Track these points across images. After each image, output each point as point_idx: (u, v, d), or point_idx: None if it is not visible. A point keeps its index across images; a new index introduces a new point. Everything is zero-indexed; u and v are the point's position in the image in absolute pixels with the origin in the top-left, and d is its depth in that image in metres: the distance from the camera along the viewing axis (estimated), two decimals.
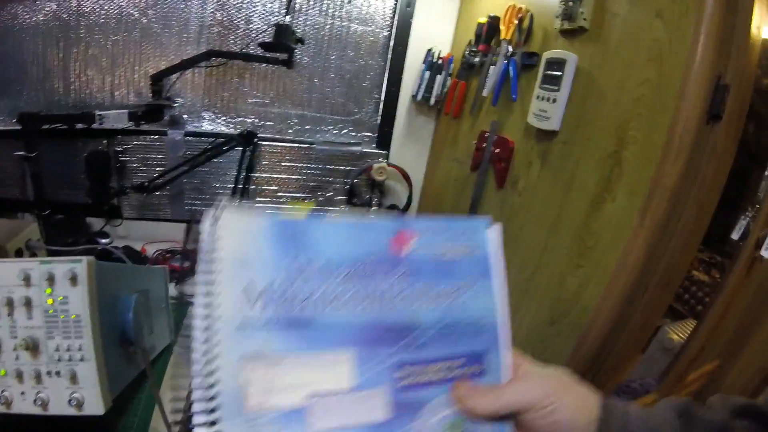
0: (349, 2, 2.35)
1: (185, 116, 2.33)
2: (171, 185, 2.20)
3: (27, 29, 2.06)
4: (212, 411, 0.47)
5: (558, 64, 1.59)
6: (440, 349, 0.59)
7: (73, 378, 0.89)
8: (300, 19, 2.31)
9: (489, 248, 0.64)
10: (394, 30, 2.44)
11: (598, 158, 1.44)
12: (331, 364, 0.53)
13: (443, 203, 2.50)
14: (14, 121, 1.98)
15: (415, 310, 0.58)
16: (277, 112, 2.45)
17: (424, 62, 2.46)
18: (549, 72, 1.64)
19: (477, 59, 2.14)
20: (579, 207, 1.50)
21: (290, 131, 2.51)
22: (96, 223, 2.25)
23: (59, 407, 0.90)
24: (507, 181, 1.91)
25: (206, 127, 2.38)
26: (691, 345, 1.76)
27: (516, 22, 1.86)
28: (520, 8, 1.86)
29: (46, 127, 1.96)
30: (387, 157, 2.60)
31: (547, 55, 1.66)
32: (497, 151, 1.95)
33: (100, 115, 1.95)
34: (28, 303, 0.87)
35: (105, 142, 2.20)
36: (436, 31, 2.47)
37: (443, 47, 2.46)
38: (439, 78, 2.42)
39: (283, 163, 2.51)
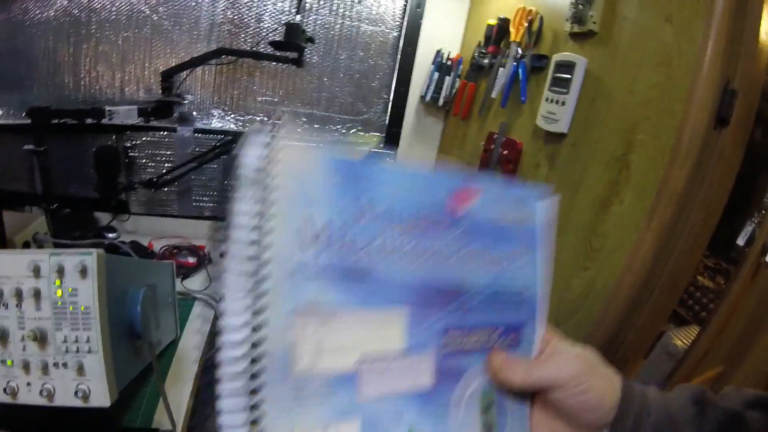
0: (360, 2, 2.35)
1: (194, 113, 2.34)
2: (179, 181, 2.21)
3: (38, 24, 2.07)
4: (255, 376, 0.41)
5: (567, 66, 1.59)
6: (484, 316, 0.58)
7: (80, 370, 0.89)
8: (310, 18, 2.32)
9: (537, 221, 0.62)
10: (403, 30, 2.45)
11: (606, 161, 1.44)
12: (384, 323, 0.50)
13: None
14: (24, 115, 1.98)
15: (468, 272, 0.56)
16: (286, 111, 2.46)
17: (433, 63, 2.46)
18: (558, 74, 1.64)
19: (486, 61, 2.14)
20: (586, 209, 1.50)
21: (299, 130, 2.50)
22: (103, 217, 2.25)
23: (65, 398, 0.90)
24: None
25: (215, 124, 2.39)
26: (694, 350, 1.75)
27: (526, 24, 1.86)
28: (530, 10, 1.86)
29: (55, 121, 1.96)
30: (395, 157, 2.60)
31: (556, 57, 1.66)
32: (505, 152, 1.95)
33: (109, 110, 1.95)
34: (37, 294, 0.88)
35: (114, 137, 2.21)
36: (445, 32, 2.47)
37: (452, 48, 2.46)
38: (448, 79, 2.42)
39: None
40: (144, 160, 2.31)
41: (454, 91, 2.42)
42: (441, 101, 2.45)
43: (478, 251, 0.57)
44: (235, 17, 2.24)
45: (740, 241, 2.26)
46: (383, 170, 0.50)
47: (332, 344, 0.46)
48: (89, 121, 1.98)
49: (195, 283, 1.90)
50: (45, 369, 0.90)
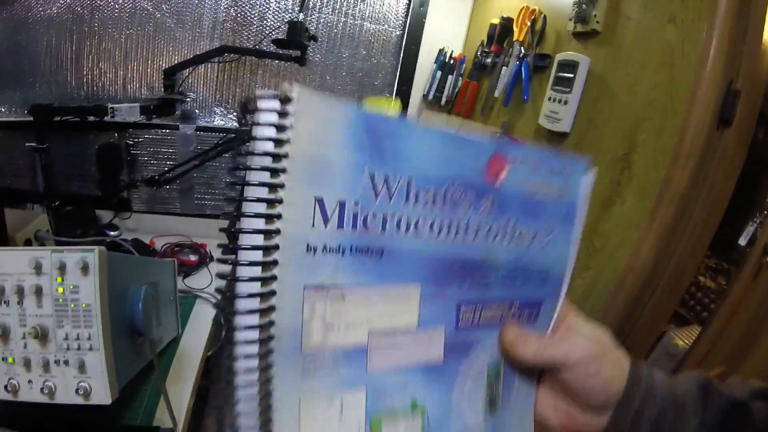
0: (363, 1, 2.35)
1: (197, 111, 2.34)
2: (181, 179, 2.21)
3: (41, 22, 2.07)
4: (266, 354, 0.41)
5: (570, 66, 1.59)
6: (503, 291, 0.57)
7: (81, 367, 0.89)
8: (313, 16, 2.32)
9: (580, 195, 0.60)
10: (406, 29, 2.45)
11: (609, 161, 1.44)
12: (397, 300, 0.50)
13: None
14: (26, 112, 1.98)
15: (492, 247, 0.54)
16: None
17: (435, 62, 2.46)
18: (561, 74, 1.64)
19: (489, 60, 2.15)
20: (588, 208, 1.50)
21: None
22: (105, 215, 2.25)
23: (66, 396, 0.90)
24: None
25: (217, 122, 2.39)
26: (695, 351, 1.75)
27: (529, 23, 1.86)
28: (534, 10, 1.86)
29: (57, 119, 1.96)
30: None
31: (559, 57, 1.66)
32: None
33: (112, 108, 1.95)
34: (38, 291, 0.87)
35: (116, 135, 2.21)
36: (448, 31, 2.47)
37: (455, 47, 2.46)
38: (450, 78, 2.42)
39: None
40: (146, 158, 2.31)
41: (456, 90, 2.42)
42: (443, 100, 2.45)
43: (506, 225, 0.55)
44: (238, 15, 2.24)
45: (742, 242, 2.25)
46: (416, 130, 0.48)
47: (343, 321, 0.46)
48: (91, 118, 1.98)
49: (196, 281, 1.89)
50: (46, 366, 0.90)
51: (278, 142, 0.40)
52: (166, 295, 1.34)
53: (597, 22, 1.52)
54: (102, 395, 0.90)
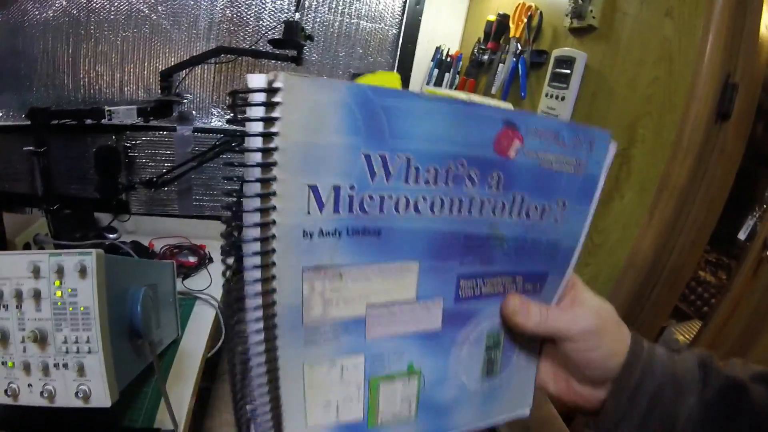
0: None
1: (194, 112, 2.34)
2: (179, 181, 2.20)
3: (37, 25, 2.06)
4: (270, 328, 0.45)
5: (567, 62, 1.59)
6: (507, 265, 0.57)
7: (81, 370, 0.89)
8: (309, 16, 2.32)
9: (603, 170, 0.58)
10: (403, 27, 2.44)
11: None
12: (396, 276, 0.51)
13: None
14: (24, 116, 1.98)
15: (497, 221, 0.54)
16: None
17: (432, 60, 2.46)
18: (558, 70, 1.64)
19: (486, 57, 2.15)
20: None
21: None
22: (104, 218, 2.25)
23: (66, 399, 0.90)
24: None
25: (215, 123, 2.38)
26: (696, 346, 1.75)
27: (525, 20, 1.86)
28: (530, 6, 1.86)
29: (55, 122, 1.96)
30: None
31: (556, 53, 1.66)
32: None
33: (109, 110, 1.95)
34: (36, 295, 0.87)
35: (114, 137, 2.21)
36: (445, 28, 2.47)
37: (452, 45, 2.47)
38: (447, 75, 2.42)
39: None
40: (144, 160, 2.31)
41: (454, 87, 2.42)
42: None
43: (515, 200, 0.54)
44: (234, 16, 2.23)
45: (741, 236, 2.26)
46: (417, 103, 0.46)
47: (342, 297, 0.49)
48: (89, 121, 1.98)
49: (196, 282, 1.89)
50: (46, 370, 0.89)
51: (267, 137, 0.40)
52: (165, 296, 1.34)
53: (593, 17, 1.52)
54: (102, 398, 0.90)
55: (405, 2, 2.41)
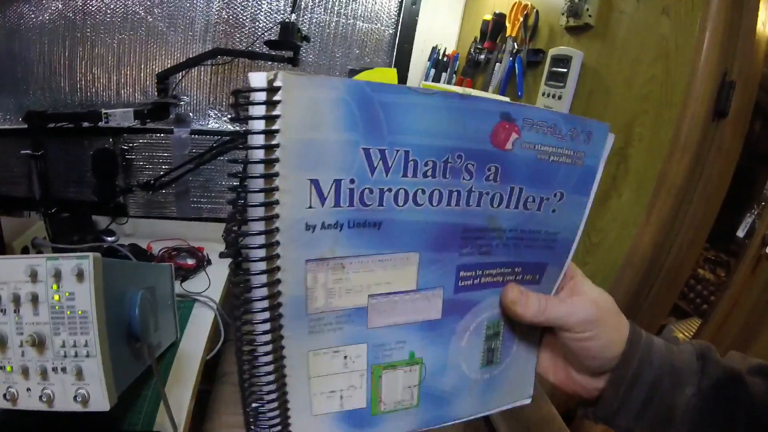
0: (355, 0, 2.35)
1: (191, 114, 2.34)
2: (177, 183, 2.20)
3: (33, 28, 2.06)
4: (276, 318, 0.48)
5: (563, 60, 1.59)
6: (506, 255, 0.58)
7: (79, 374, 0.89)
8: (305, 16, 2.32)
9: (601, 161, 0.59)
10: (399, 27, 2.44)
11: None
12: (397, 266, 0.52)
13: None
14: (21, 119, 1.98)
15: (495, 213, 0.55)
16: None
17: (429, 60, 2.46)
18: (555, 69, 1.64)
19: (482, 56, 2.15)
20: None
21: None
22: (102, 221, 2.25)
23: (65, 403, 0.90)
24: None
25: (212, 125, 2.38)
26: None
27: (521, 19, 1.86)
28: (526, 5, 1.86)
29: (52, 125, 1.95)
30: None
31: (552, 52, 1.66)
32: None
33: (106, 113, 1.94)
34: (34, 299, 0.87)
35: (111, 140, 2.21)
36: (441, 28, 2.47)
37: (449, 44, 2.46)
38: (444, 75, 2.42)
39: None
40: (141, 163, 2.31)
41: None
42: None
43: (512, 191, 0.55)
44: (230, 17, 2.23)
45: (740, 233, 2.26)
46: (414, 99, 0.47)
47: (344, 287, 0.51)
48: (86, 124, 1.97)
49: (194, 284, 1.89)
50: (44, 374, 0.89)
51: (269, 135, 0.42)
52: (163, 299, 1.34)
53: (590, 16, 1.52)
54: (100, 402, 0.90)
55: (401, 2, 2.41)
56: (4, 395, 0.89)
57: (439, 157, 0.49)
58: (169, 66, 2.07)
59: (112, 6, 2.10)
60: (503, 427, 1.43)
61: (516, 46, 1.89)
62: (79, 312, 0.87)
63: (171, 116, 2.16)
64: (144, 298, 1.05)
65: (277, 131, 0.42)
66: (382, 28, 2.45)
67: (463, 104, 0.49)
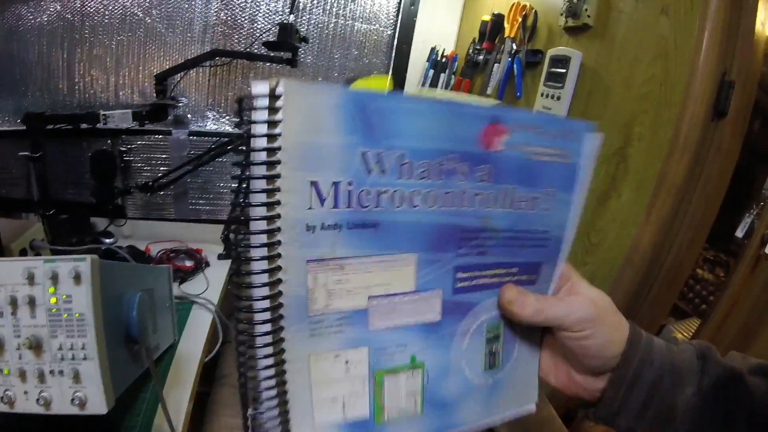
0: (353, 1, 2.34)
1: (189, 116, 2.33)
2: (175, 185, 2.20)
3: (31, 30, 2.06)
4: (276, 318, 0.48)
5: (562, 61, 1.59)
6: (501, 255, 0.59)
7: (76, 377, 0.88)
8: (304, 17, 2.31)
9: (582, 156, 0.61)
10: (397, 28, 2.44)
11: (604, 155, 1.44)
12: (395, 267, 0.53)
13: None
14: (19, 121, 1.98)
15: (489, 213, 0.57)
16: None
17: (428, 60, 2.46)
18: (553, 69, 1.63)
19: (481, 57, 2.14)
20: (584, 204, 1.49)
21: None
22: (100, 222, 2.24)
23: (62, 406, 0.89)
24: None
25: (210, 126, 2.37)
26: None
27: (520, 19, 1.86)
28: (525, 6, 1.86)
29: (50, 127, 1.95)
30: None
31: (551, 52, 1.66)
32: None
33: (104, 114, 1.94)
34: (31, 302, 0.87)
35: (109, 141, 2.21)
36: (440, 29, 2.47)
37: (447, 45, 2.46)
38: (443, 76, 2.42)
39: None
40: (140, 164, 2.30)
41: (449, 88, 2.41)
42: None
43: (503, 190, 0.56)
44: (229, 18, 2.23)
45: (739, 233, 2.25)
46: (406, 105, 0.49)
47: (344, 288, 0.51)
48: (84, 125, 1.97)
49: (193, 286, 1.89)
50: (41, 377, 0.89)
51: (271, 138, 0.43)
52: (161, 301, 1.33)
53: (588, 16, 1.52)
54: (97, 405, 0.89)
55: (400, 3, 2.40)
56: (2, 398, 0.89)
57: (433, 159, 0.51)
58: (167, 67, 2.07)
59: (110, 7, 2.10)
60: (503, 428, 1.43)
61: (515, 47, 1.89)
62: (77, 315, 0.87)
63: (169, 118, 2.15)
64: (142, 300, 1.04)
65: (278, 135, 0.43)
66: (381, 29, 2.44)
67: (452, 109, 0.51)
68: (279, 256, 0.46)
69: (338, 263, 0.50)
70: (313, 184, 0.46)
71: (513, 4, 1.91)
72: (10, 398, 0.89)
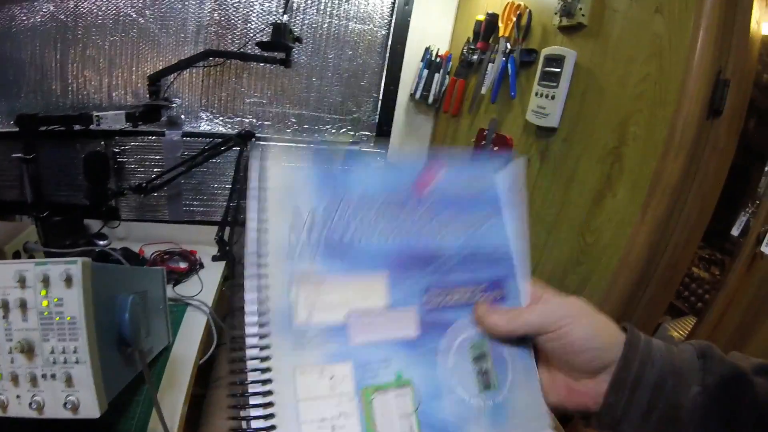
0: (347, 0, 2.34)
1: (183, 116, 2.33)
2: (169, 186, 2.19)
3: (24, 31, 2.05)
4: (263, 325, 0.54)
5: (557, 60, 1.59)
6: (464, 273, 0.64)
7: (69, 381, 0.88)
8: (298, 18, 2.31)
9: (499, 189, 0.68)
10: (392, 28, 2.44)
11: (599, 155, 1.43)
12: (368, 284, 0.59)
13: None
14: (12, 122, 1.97)
15: (441, 238, 0.64)
16: (275, 112, 2.45)
17: (422, 60, 2.45)
18: (548, 69, 1.63)
19: (475, 57, 2.14)
20: (579, 204, 1.49)
21: (288, 131, 2.50)
22: (94, 224, 2.24)
23: (55, 410, 0.89)
24: None
25: (204, 127, 2.37)
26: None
27: (514, 19, 1.85)
28: (519, 5, 1.85)
29: (43, 128, 1.95)
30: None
31: (545, 51, 1.65)
32: (496, 148, 1.94)
33: (97, 116, 1.93)
34: (23, 305, 0.86)
35: (103, 143, 2.20)
36: (434, 28, 2.47)
37: (441, 45, 2.46)
38: (437, 76, 2.41)
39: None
40: (133, 166, 2.30)
41: (443, 88, 2.41)
42: (431, 99, 2.45)
43: (447, 219, 0.64)
44: (222, 19, 2.23)
45: (734, 232, 2.25)
46: (353, 169, 0.62)
47: (324, 302, 0.57)
48: (77, 127, 1.96)
49: (187, 288, 1.88)
50: (34, 381, 0.88)
51: (262, 189, 0.58)
52: (155, 303, 1.33)
53: (583, 15, 1.52)
54: (90, 408, 0.89)
55: (394, 3, 2.40)
56: None
57: (381, 204, 0.62)
58: (160, 68, 2.06)
59: (103, 8, 2.09)
60: None
61: (509, 46, 1.89)
62: (68, 318, 0.87)
63: (163, 118, 2.15)
64: (134, 302, 1.04)
65: (266, 186, 0.58)
66: (375, 28, 2.44)
67: (391, 168, 0.65)
68: (266, 265, 0.56)
69: (318, 278, 0.57)
70: (294, 209, 0.58)
71: (507, 4, 1.90)
72: (2, 402, 0.89)
